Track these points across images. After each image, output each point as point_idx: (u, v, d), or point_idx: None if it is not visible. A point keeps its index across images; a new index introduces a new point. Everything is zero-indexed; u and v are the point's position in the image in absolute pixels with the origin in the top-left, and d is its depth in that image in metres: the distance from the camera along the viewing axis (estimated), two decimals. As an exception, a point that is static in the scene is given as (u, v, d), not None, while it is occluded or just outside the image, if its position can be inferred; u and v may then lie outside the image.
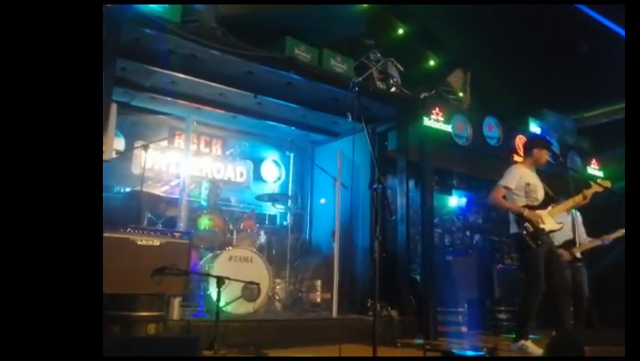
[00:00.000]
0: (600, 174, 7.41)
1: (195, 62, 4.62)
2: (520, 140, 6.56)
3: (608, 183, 4.66)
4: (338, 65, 5.35)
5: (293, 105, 5.61)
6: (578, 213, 5.38)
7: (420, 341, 4.77)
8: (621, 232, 5.04)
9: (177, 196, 4.93)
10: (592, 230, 5.43)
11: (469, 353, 2.85)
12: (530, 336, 4.13)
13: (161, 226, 4.97)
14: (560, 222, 4.45)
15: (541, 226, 4.19)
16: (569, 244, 5.11)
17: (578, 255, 5.12)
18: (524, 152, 4.70)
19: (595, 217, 5.54)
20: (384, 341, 4.37)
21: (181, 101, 5.34)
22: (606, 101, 7.74)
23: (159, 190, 5.67)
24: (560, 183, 4.67)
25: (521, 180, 4.35)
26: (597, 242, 5.21)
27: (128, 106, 5.34)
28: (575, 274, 5.09)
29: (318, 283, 5.57)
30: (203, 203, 5.35)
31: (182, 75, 4.78)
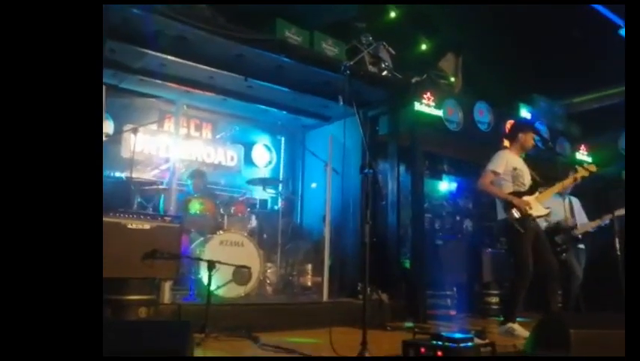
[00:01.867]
0: (589, 159, 7.48)
1: (184, 44, 4.56)
2: (509, 125, 6.58)
3: (593, 168, 4.70)
4: (329, 48, 5.30)
5: (284, 89, 5.56)
6: (575, 199, 5.45)
7: (409, 324, 4.82)
8: (613, 213, 5.05)
9: (167, 180, 4.91)
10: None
11: (458, 335, 2.89)
12: (518, 319, 4.20)
13: (151, 209, 4.95)
14: (548, 207, 4.50)
15: (529, 211, 4.22)
16: (570, 226, 5.21)
17: (579, 236, 5.22)
18: (510, 137, 4.66)
19: (584, 202, 5.61)
20: (374, 324, 4.41)
21: (171, 84, 5.28)
22: (596, 86, 7.79)
23: (149, 174, 5.63)
24: (548, 169, 4.70)
25: (508, 165, 4.35)
26: (597, 222, 5.24)
27: (117, 88, 5.27)
28: (575, 256, 5.19)
29: (309, 267, 5.60)
30: (190, 190, 5.35)
31: (171, 57, 4.72)
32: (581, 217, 5.38)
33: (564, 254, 5.11)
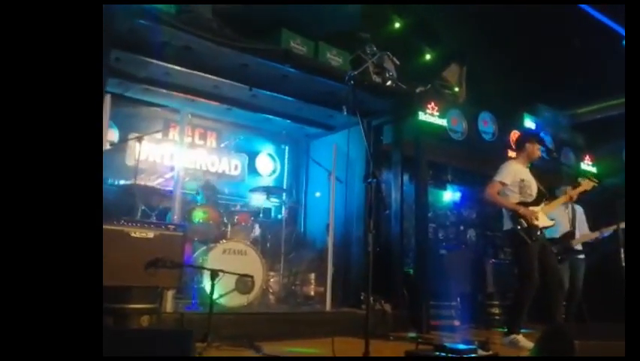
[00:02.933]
0: (593, 169, 7.45)
1: (190, 54, 4.60)
2: (514, 135, 6.59)
3: (596, 180, 4.70)
4: (334, 58, 5.33)
5: (288, 98, 5.59)
6: (580, 208, 5.44)
7: (412, 335, 4.80)
8: (618, 225, 5.04)
9: (171, 189, 4.92)
10: (588, 224, 5.50)
11: (461, 346, 2.88)
12: (521, 330, 4.17)
13: (155, 218, 4.96)
14: (552, 219, 4.49)
15: (536, 222, 4.21)
16: (568, 236, 5.20)
17: (579, 247, 5.23)
18: (517, 147, 4.68)
19: (589, 211, 5.60)
20: (377, 334, 4.39)
21: (175, 93, 5.30)
22: (600, 97, 7.78)
23: (153, 183, 5.65)
24: (553, 179, 4.70)
25: (516, 175, 4.36)
26: (595, 234, 5.28)
27: (122, 97, 5.30)
28: (575, 267, 5.18)
29: (312, 276, 5.59)
30: (200, 200, 5.35)
31: (176, 67, 4.75)
32: (582, 227, 5.38)
33: (559, 265, 5.12)
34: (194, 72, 4.88)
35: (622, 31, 6.78)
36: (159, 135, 5.98)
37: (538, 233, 4.23)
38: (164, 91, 5.26)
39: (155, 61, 4.61)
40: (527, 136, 4.78)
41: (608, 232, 5.21)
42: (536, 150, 4.49)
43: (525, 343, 3.99)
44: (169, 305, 3.94)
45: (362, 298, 5.20)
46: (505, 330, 4.32)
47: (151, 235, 3.69)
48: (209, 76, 4.99)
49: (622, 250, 4.51)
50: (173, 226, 3.95)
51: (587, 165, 7.52)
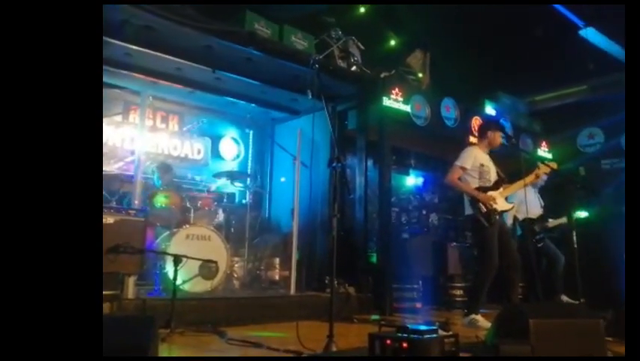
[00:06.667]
0: (549, 155, 7.71)
1: (151, 34, 4.46)
2: (475, 121, 6.73)
3: (554, 165, 4.87)
4: (299, 41, 5.28)
5: (252, 81, 5.52)
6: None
7: (376, 317, 4.89)
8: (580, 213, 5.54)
9: (132, 173, 4.80)
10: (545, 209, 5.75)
11: (423, 327, 2.95)
12: (480, 310, 4.32)
13: (115, 203, 4.84)
14: (512, 203, 4.65)
15: (494, 206, 4.34)
16: (544, 217, 5.63)
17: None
18: (479, 134, 4.79)
19: (543, 195, 5.83)
20: (341, 317, 4.46)
21: (136, 75, 5.15)
22: (556, 85, 8.03)
23: (113, 167, 5.49)
24: (512, 164, 4.83)
25: (476, 161, 4.47)
26: (564, 219, 5.65)
27: (79, 78, 5.10)
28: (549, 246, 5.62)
29: (277, 261, 5.59)
30: (157, 183, 5.25)
31: (137, 47, 4.60)
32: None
33: (542, 243, 5.51)
34: (156, 53, 4.75)
35: (578, 21, 6.99)
36: (119, 118, 5.81)
37: (497, 217, 4.36)
38: (125, 72, 5.08)
39: (114, 41, 4.44)
40: (489, 124, 4.90)
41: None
42: (497, 138, 4.61)
43: (483, 323, 4.13)
44: (130, 292, 3.87)
45: (326, 281, 5.25)
46: (465, 311, 4.46)
47: (111, 220, 3.60)
48: (172, 57, 4.87)
49: (574, 233, 4.75)
50: (133, 211, 3.86)
51: (543, 151, 7.78)
